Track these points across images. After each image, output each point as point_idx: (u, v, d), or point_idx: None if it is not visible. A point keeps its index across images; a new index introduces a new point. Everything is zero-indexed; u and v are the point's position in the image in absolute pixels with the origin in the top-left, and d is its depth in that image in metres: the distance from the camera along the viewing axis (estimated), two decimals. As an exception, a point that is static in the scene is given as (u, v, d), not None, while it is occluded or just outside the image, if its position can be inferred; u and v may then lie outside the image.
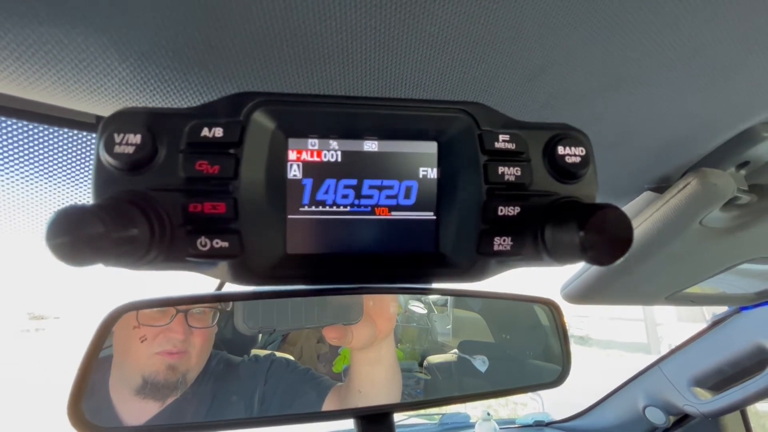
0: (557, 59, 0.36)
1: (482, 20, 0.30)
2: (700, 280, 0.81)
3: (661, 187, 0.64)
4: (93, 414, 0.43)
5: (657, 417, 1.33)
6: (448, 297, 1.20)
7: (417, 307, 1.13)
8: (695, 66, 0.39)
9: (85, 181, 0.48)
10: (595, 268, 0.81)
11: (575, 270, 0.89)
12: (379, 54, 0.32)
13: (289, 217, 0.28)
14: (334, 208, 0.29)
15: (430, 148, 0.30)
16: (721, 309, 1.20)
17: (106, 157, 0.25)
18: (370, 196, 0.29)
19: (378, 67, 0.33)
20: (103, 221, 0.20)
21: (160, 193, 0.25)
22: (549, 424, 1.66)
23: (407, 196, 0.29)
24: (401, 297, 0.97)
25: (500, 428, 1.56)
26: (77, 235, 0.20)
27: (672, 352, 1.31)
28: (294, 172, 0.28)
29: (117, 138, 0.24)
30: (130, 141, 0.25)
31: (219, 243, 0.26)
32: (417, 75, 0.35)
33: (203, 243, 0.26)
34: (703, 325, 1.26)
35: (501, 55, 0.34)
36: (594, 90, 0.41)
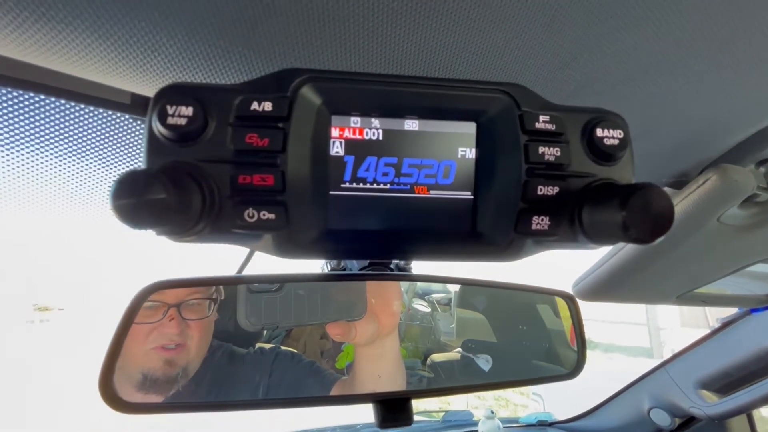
0: (589, 47, 0.36)
1: (519, 4, 0.30)
2: (714, 279, 0.81)
3: (680, 182, 0.64)
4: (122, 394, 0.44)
5: (662, 419, 1.33)
6: (452, 296, 1.20)
7: (421, 305, 1.13)
8: (722, 58, 0.39)
9: (116, 162, 0.49)
10: (608, 265, 0.81)
11: (587, 267, 0.89)
12: (417, 35, 0.33)
13: (331, 193, 0.29)
14: (375, 186, 0.29)
15: (470, 128, 0.30)
16: (728, 312, 1.19)
17: (158, 128, 0.25)
18: (409, 175, 0.30)
19: (415, 48, 0.34)
20: (165, 187, 0.21)
21: (209, 165, 0.26)
22: (552, 424, 1.66)
23: (446, 175, 0.30)
24: (405, 295, 0.97)
25: (503, 427, 1.56)
26: (141, 198, 0.21)
27: (679, 353, 1.31)
28: (336, 148, 0.29)
29: (170, 109, 0.25)
30: (182, 113, 0.25)
31: (266, 215, 0.26)
32: (452, 57, 0.35)
33: (251, 214, 0.26)
34: (707, 331, 1.26)
35: (535, 42, 0.34)
36: (621, 80, 0.42)
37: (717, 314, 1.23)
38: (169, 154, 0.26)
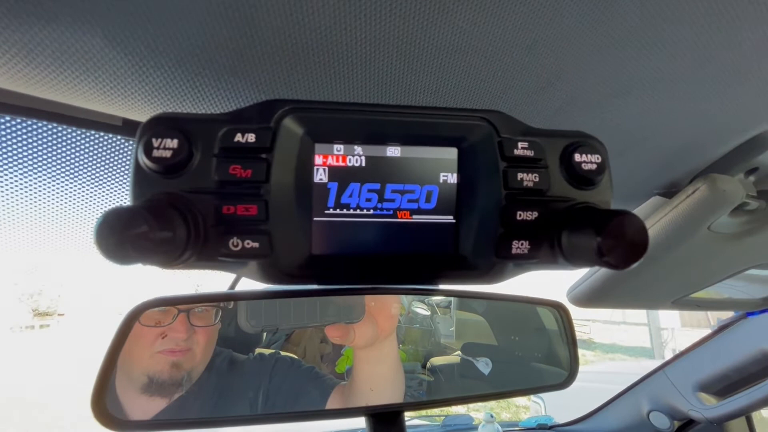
0: (570, 67, 0.37)
1: (499, 30, 0.31)
2: (707, 284, 0.81)
3: (670, 192, 0.64)
4: (115, 412, 0.44)
5: (661, 422, 1.33)
6: (452, 299, 1.20)
7: (420, 308, 1.13)
8: (705, 73, 0.40)
9: (108, 182, 0.50)
10: (602, 272, 0.81)
11: (582, 273, 0.89)
12: (398, 63, 0.33)
13: (315, 219, 0.29)
14: (358, 211, 0.30)
15: (451, 154, 0.31)
16: (730, 313, 1.20)
17: (144, 161, 0.26)
18: (392, 200, 0.30)
19: (397, 75, 0.34)
20: (148, 222, 0.22)
21: (194, 196, 0.27)
22: (552, 428, 1.65)
23: (428, 200, 0.30)
24: (404, 298, 0.97)
25: (503, 431, 1.56)
26: (124, 235, 0.21)
27: (677, 356, 1.31)
28: (320, 176, 0.29)
29: (155, 142, 0.26)
30: (168, 145, 0.26)
31: (250, 243, 0.27)
32: (435, 83, 0.36)
33: (235, 243, 0.27)
34: (708, 331, 1.26)
35: (516, 64, 0.35)
36: (605, 96, 0.42)
37: (718, 314, 1.24)
38: (155, 185, 0.26)
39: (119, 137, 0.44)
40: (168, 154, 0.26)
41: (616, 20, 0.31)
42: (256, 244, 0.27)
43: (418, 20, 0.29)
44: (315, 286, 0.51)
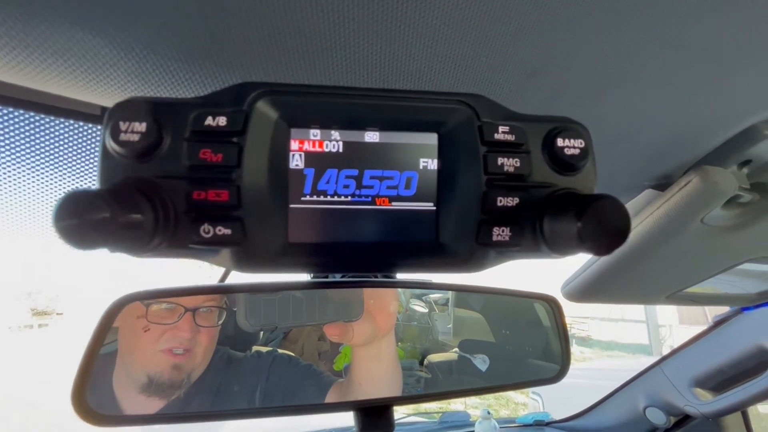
0: (558, 56, 0.36)
1: (483, 15, 0.30)
2: (701, 279, 0.81)
3: (663, 184, 0.64)
4: (97, 406, 0.44)
5: (657, 417, 1.33)
6: (449, 296, 1.20)
7: (418, 305, 1.13)
8: (697, 63, 0.39)
9: (90, 172, 0.49)
10: (596, 266, 0.81)
11: (576, 267, 0.89)
12: (380, 46, 0.32)
13: (291, 206, 0.29)
14: (336, 198, 0.29)
15: (431, 139, 0.30)
16: (723, 310, 1.20)
17: (112, 145, 0.25)
18: (371, 187, 0.29)
19: (379, 60, 0.34)
20: (109, 206, 0.21)
21: (164, 181, 0.26)
22: (549, 424, 1.65)
23: (408, 186, 0.30)
24: (402, 296, 0.97)
25: (500, 427, 1.56)
26: (83, 219, 0.20)
27: (673, 352, 1.31)
28: (296, 161, 0.29)
29: (123, 126, 0.25)
30: (136, 129, 0.25)
31: (222, 230, 0.26)
32: (418, 68, 0.35)
33: (206, 230, 0.26)
34: (705, 328, 1.26)
35: (502, 51, 0.34)
36: (595, 87, 0.41)
37: (716, 311, 1.24)
38: (123, 170, 0.26)
39: (99, 126, 0.43)
40: (136, 137, 0.25)
41: (603, 11, 0.30)
42: (228, 231, 0.26)
43: (398, 3, 0.28)
44: (302, 278, 0.51)
